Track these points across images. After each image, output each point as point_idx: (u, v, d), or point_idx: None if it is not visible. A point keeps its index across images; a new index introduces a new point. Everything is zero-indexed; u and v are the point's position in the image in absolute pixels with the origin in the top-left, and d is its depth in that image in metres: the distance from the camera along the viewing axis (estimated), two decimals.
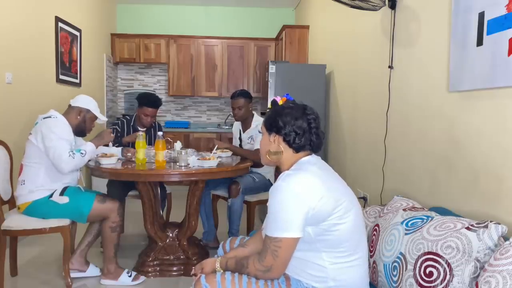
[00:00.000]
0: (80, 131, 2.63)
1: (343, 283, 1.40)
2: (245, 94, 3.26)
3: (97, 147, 2.59)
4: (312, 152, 1.51)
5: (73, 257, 2.64)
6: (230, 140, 3.86)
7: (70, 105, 2.63)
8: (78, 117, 2.59)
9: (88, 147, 2.51)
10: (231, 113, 3.43)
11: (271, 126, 1.50)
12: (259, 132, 1.65)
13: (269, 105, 1.60)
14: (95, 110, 2.65)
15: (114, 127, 3.33)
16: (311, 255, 1.40)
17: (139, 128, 3.31)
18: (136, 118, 3.36)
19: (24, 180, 2.46)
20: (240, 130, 3.42)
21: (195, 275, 1.58)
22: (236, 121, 3.42)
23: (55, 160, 2.38)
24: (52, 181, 2.46)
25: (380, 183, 2.77)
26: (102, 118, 2.70)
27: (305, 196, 1.32)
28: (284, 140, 1.47)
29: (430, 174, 2.16)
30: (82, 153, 2.46)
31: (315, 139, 1.47)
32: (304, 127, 1.45)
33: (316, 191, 1.34)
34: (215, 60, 6.02)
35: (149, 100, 3.23)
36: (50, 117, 2.48)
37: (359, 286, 1.44)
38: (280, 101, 1.56)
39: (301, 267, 1.43)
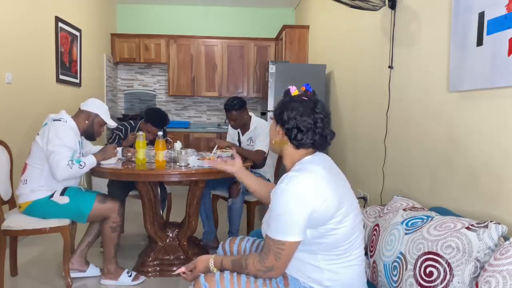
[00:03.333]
0: (88, 135, 2.63)
1: (339, 283, 1.40)
2: (235, 106, 3.15)
3: (97, 162, 2.55)
4: (316, 151, 1.48)
5: (73, 257, 2.64)
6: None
7: (79, 109, 2.62)
8: (86, 121, 2.59)
9: (89, 160, 2.48)
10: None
11: (278, 117, 1.47)
12: (271, 118, 1.61)
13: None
14: (104, 115, 2.63)
15: (118, 132, 3.31)
16: (308, 256, 1.40)
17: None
18: (141, 127, 3.32)
19: (26, 180, 2.46)
20: (238, 132, 3.41)
21: (182, 273, 1.56)
22: (234, 129, 3.39)
23: (53, 165, 2.37)
24: (54, 182, 2.46)
25: (380, 183, 2.77)
26: (111, 123, 2.68)
27: (309, 199, 1.31)
28: (286, 134, 1.45)
29: (430, 174, 2.16)
30: (81, 165, 2.43)
31: (318, 139, 1.42)
32: (309, 126, 1.40)
33: (321, 193, 1.32)
34: (215, 60, 6.02)
35: (156, 121, 3.16)
36: (60, 120, 2.48)
37: (355, 285, 1.44)
38: (294, 91, 1.51)
39: (298, 266, 1.43)
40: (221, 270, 1.48)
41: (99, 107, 2.62)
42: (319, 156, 1.47)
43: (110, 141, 3.30)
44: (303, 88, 1.52)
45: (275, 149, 1.53)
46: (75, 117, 2.58)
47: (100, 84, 5.51)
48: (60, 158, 2.36)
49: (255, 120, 3.31)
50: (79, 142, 2.56)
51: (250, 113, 3.35)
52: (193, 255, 2.79)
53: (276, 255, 1.33)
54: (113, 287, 2.58)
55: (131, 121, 3.45)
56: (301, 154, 1.46)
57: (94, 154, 2.55)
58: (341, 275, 1.40)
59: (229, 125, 3.44)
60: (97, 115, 2.60)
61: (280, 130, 1.47)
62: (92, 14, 5.21)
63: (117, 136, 3.30)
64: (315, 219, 1.33)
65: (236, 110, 3.17)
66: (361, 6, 2.55)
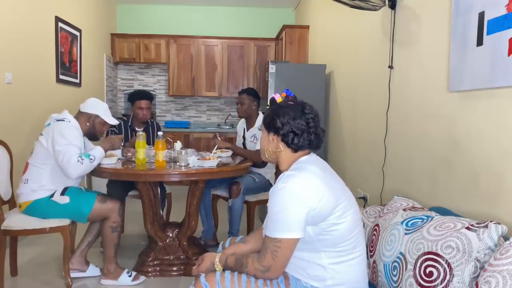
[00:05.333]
0: (91, 135, 2.64)
1: (342, 281, 1.40)
2: (249, 91, 3.29)
3: (105, 152, 2.56)
4: (311, 151, 1.51)
5: (73, 257, 2.64)
6: (230, 140, 3.86)
7: (79, 110, 2.61)
8: (88, 123, 2.58)
9: (98, 153, 2.49)
10: (231, 113, 3.41)
11: (269, 126, 1.49)
12: (259, 129, 1.65)
13: (268, 103, 1.60)
14: (104, 115, 2.62)
15: (112, 129, 3.32)
16: (311, 255, 1.41)
17: (137, 128, 3.33)
18: (133, 118, 3.36)
19: (27, 179, 2.46)
20: (244, 128, 3.43)
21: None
22: (239, 117, 3.42)
23: (64, 165, 2.37)
24: (54, 182, 2.46)
25: (380, 183, 2.77)
26: (112, 122, 2.68)
27: (305, 197, 1.32)
28: (283, 140, 1.47)
29: (430, 174, 2.16)
30: (91, 159, 2.43)
31: (313, 138, 1.46)
32: (303, 127, 1.44)
33: (317, 192, 1.34)
34: (215, 60, 6.02)
35: (140, 94, 3.31)
36: (63, 120, 2.48)
37: (358, 284, 1.45)
38: (278, 98, 1.55)
39: (300, 266, 1.43)
40: (225, 266, 1.49)
41: (98, 108, 2.62)
42: (313, 156, 1.51)
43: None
44: (284, 94, 1.57)
45: (271, 157, 1.53)
46: (76, 119, 2.58)
47: (100, 84, 5.51)
48: (70, 156, 2.36)
49: (261, 119, 3.31)
50: (83, 142, 2.57)
51: (259, 111, 3.37)
52: (193, 255, 2.79)
53: (272, 253, 1.33)
54: (113, 287, 2.58)
55: (123, 117, 3.47)
56: (297, 156, 1.48)
57: (101, 145, 2.57)
58: (344, 274, 1.41)
59: (237, 128, 3.45)
60: (97, 116, 2.60)
61: (274, 138, 1.49)
62: (92, 14, 5.21)
63: (112, 133, 3.30)
64: (314, 217, 1.34)
65: (248, 94, 3.26)
66: (361, 6, 2.55)
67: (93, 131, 2.62)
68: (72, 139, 2.41)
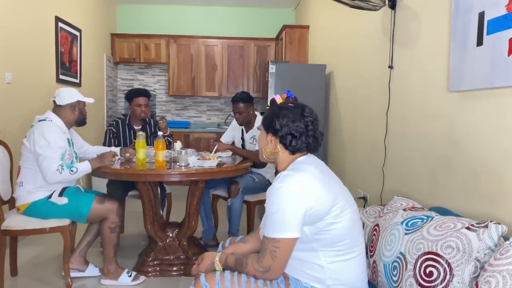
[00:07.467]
0: (81, 122, 2.66)
1: (341, 282, 1.40)
2: (244, 98, 3.20)
3: (93, 169, 2.53)
4: (309, 152, 1.51)
5: (72, 257, 2.64)
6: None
7: (59, 105, 2.55)
8: (76, 112, 2.59)
9: (82, 166, 2.48)
10: (231, 113, 3.42)
11: (268, 127, 1.50)
12: (258, 129, 1.65)
13: (268, 103, 1.60)
14: (82, 98, 2.64)
15: (110, 128, 3.33)
16: (308, 255, 1.41)
17: (135, 127, 3.33)
18: (131, 116, 3.36)
19: (22, 182, 2.45)
20: (242, 130, 3.42)
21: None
22: (240, 125, 3.40)
23: (43, 169, 2.37)
24: None
25: (380, 183, 2.77)
26: (90, 101, 2.69)
27: (302, 196, 1.32)
28: (281, 141, 1.47)
29: (430, 174, 2.16)
30: (72, 171, 2.42)
31: (311, 142, 1.47)
32: (301, 130, 1.44)
33: (314, 191, 1.34)
34: (215, 60, 6.02)
35: (137, 91, 3.32)
36: (45, 120, 2.47)
37: (357, 284, 1.44)
38: (279, 100, 1.55)
39: (299, 266, 1.43)
40: (225, 265, 1.50)
41: (74, 94, 2.61)
42: (311, 156, 1.51)
43: (107, 140, 3.29)
44: (285, 96, 1.56)
45: (268, 158, 1.54)
46: (59, 114, 2.55)
47: (100, 84, 5.51)
48: (50, 162, 2.35)
49: (260, 120, 3.30)
50: (68, 139, 2.56)
51: (256, 112, 3.36)
52: (193, 255, 2.79)
53: (272, 253, 1.34)
54: (113, 287, 2.58)
55: (121, 116, 3.48)
56: (294, 157, 1.49)
57: (90, 161, 2.54)
58: (343, 273, 1.41)
59: (232, 123, 3.46)
60: (79, 102, 2.61)
61: (272, 139, 1.49)
62: (92, 14, 5.21)
63: (111, 132, 3.30)
64: (311, 216, 1.34)
65: (244, 102, 3.19)
66: (361, 6, 2.55)
67: (82, 116, 2.64)
68: (52, 140, 2.38)
